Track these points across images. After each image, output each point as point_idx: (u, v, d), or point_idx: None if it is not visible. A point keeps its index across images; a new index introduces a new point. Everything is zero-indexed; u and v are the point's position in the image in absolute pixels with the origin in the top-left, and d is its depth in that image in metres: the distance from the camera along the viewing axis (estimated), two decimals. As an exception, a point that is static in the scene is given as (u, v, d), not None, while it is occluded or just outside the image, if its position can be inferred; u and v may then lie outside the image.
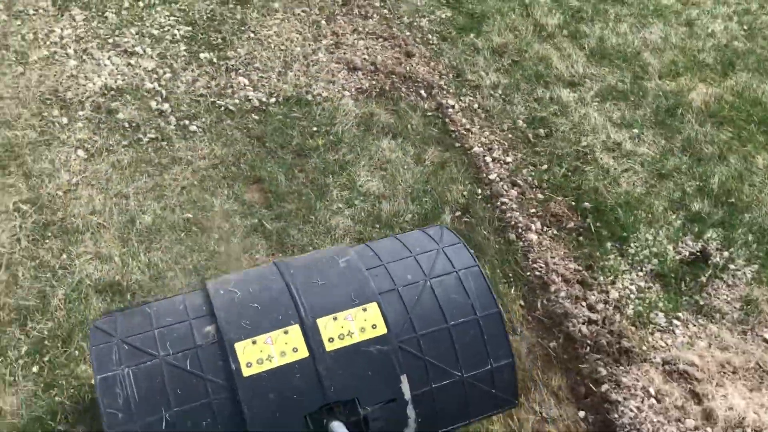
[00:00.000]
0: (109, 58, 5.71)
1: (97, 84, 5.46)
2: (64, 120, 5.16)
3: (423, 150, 5.34)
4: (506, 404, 2.97)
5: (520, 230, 4.83)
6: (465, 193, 5.07)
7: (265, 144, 5.26)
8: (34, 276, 4.21)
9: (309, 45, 6.12)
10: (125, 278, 4.27)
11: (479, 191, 5.10)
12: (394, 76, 5.93)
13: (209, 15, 6.26)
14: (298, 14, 6.45)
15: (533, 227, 4.85)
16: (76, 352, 3.92)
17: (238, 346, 2.62)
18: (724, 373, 4.12)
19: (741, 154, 5.55)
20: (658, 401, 3.90)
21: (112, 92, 5.43)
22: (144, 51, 5.81)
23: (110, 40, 5.86)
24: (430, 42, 6.36)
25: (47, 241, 4.42)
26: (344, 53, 6.09)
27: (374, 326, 2.72)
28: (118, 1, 6.23)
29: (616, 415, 3.82)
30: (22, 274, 4.22)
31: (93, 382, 3.28)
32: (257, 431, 2.53)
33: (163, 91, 5.51)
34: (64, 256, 4.35)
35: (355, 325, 2.71)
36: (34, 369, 3.83)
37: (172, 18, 6.18)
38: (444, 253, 3.06)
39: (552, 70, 6.14)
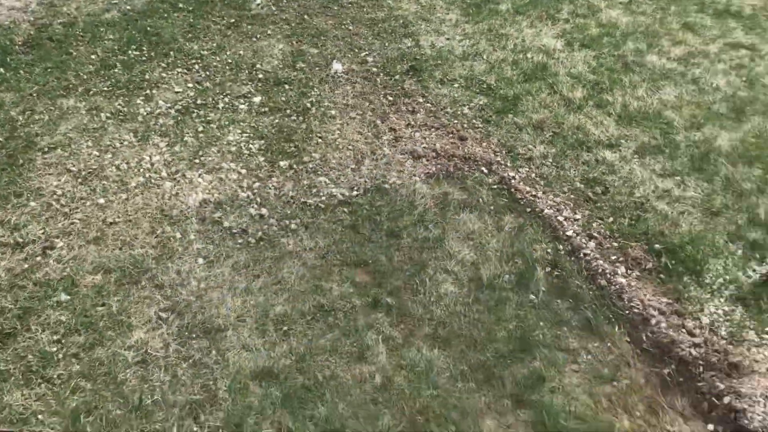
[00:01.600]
0: (200, 175, 6.29)
1: (197, 199, 6.01)
2: (178, 234, 5.67)
3: (500, 218, 5.94)
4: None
5: (608, 276, 5.39)
6: (549, 250, 5.64)
7: (359, 231, 5.82)
8: (194, 374, 4.62)
9: (372, 142, 6.79)
10: (274, 364, 4.69)
11: (560, 247, 5.68)
12: (455, 159, 6.60)
13: (277, 128, 6.93)
14: (354, 117, 7.16)
15: (619, 271, 5.41)
16: (250, 435, 4.29)
17: None
18: (825, 372, 4.62)
19: (776, 185, 6.23)
20: (778, 403, 4.37)
21: (212, 205, 5.98)
22: (229, 166, 6.42)
23: (196, 161, 6.46)
24: (477, 126, 7.08)
25: (194, 341, 4.85)
26: (405, 145, 6.77)
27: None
28: (193, 125, 6.87)
29: (746, 421, 4.27)
30: (182, 373, 4.63)
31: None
32: None
33: (258, 198, 6.08)
34: (214, 351, 4.78)
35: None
36: (219, 454, 4.19)
37: (244, 135, 6.83)
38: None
39: (590, 136, 6.87)
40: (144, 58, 7.63)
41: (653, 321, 4.98)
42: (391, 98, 7.45)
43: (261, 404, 4.46)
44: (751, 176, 6.34)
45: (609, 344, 4.95)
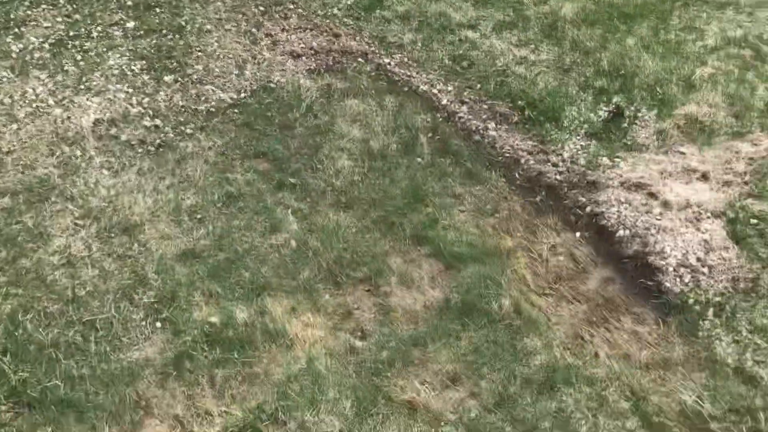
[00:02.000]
0: (88, 99, 6.43)
1: (90, 120, 6.19)
2: (78, 152, 5.87)
3: (381, 99, 6.49)
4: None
5: (481, 131, 6.09)
6: (428, 119, 6.27)
7: (254, 128, 6.22)
8: (120, 265, 4.96)
9: (251, 49, 7.12)
10: (195, 246, 5.10)
11: (438, 115, 6.31)
12: (333, 53, 7.05)
13: (155, 48, 7.10)
14: (230, 29, 7.42)
15: (490, 127, 6.12)
16: (185, 306, 4.72)
17: None
18: (664, 177, 5.53)
19: (614, 41, 7.09)
20: (629, 204, 5.24)
21: (106, 123, 6.18)
22: (115, 87, 6.59)
23: (81, 87, 6.57)
24: (348, 23, 7.53)
25: (114, 239, 5.17)
26: (283, 47, 7.15)
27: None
28: (71, 55, 6.94)
29: (604, 221, 5.11)
30: (109, 266, 4.96)
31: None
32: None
33: (149, 111, 6.33)
34: (135, 245, 5.12)
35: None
36: (158, 324, 4.61)
37: (124, 58, 6.97)
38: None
39: (452, 20, 7.48)
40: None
41: (523, 161, 5.73)
42: (262, 8, 7.74)
43: (189, 279, 4.87)
44: (594, 36, 7.16)
45: (488, 186, 5.66)
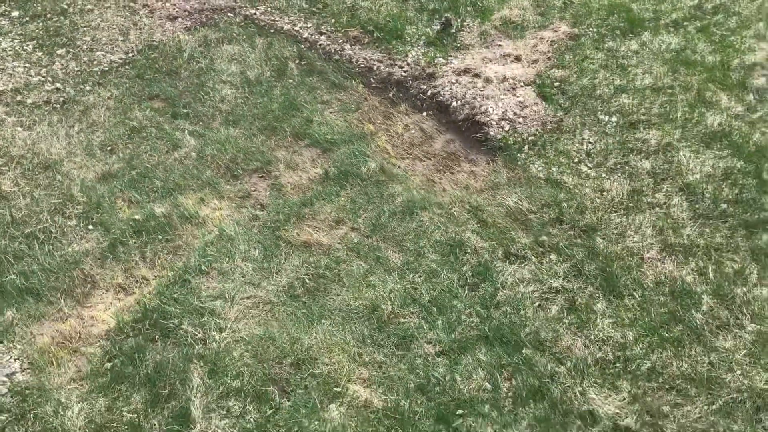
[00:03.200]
0: (-12, 76, 7.23)
1: (-5, 91, 7.00)
2: (-11, 117, 6.68)
3: (252, 41, 7.59)
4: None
5: (339, 52, 7.30)
6: (294, 50, 7.42)
7: (144, 78, 7.19)
8: (48, 192, 5.87)
9: (132, 18, 8.07)
10: (110, 169, 6.07)
11: (302, 46, 7.48)
12: (205, 12, 8.09)
13: (43, 30, 7.94)
14: (110, 6, 8.33)
15: (346, 47, 7.34)
16: (110, 211, 5.69)
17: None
18: (486, 63, 6.91)
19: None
20: (459, 83, 6.59)
21: (10, 92, 7.01)
22: (12, 65, 7.41)
23: (-21, 67, 7.35)
24: (215, -12, 8.59)
25: (39, 175, 6.05)
26: (161, 13, 8.13)
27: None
28: (-36, 44, 7.68)
29: (441, 98, 6.43)
30: (38, 194, 5.85)
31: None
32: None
33: (49, 78, 7.19)
34: (58, 176, 6.03)
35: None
36: (90, 227, 5.56)
37: (16, 41, 7.77)
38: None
39: (305, -26, 8.65)
40: None
41: (375, 68, 6.99)
42: (136, -14, 8.68)
43: (110, 191, 5.84)
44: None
45: (350, 91, 6.88)
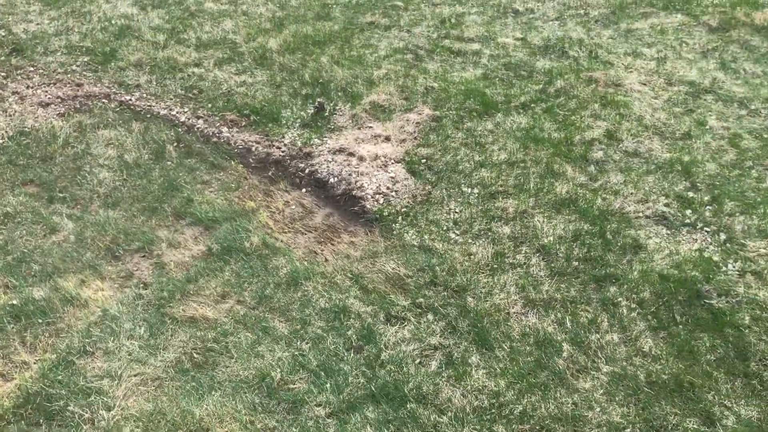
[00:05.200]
0: None
1: None
2: None
3: (128, 126, 7.74)
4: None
5: (217, 135, 7.59)
6: (171, 133, 7.63)
7: (17, 164, 7.13)
8: None
9: (1, 105, 8.00)
10: (-17, 254, 5.93)
11: (180, 129, 7.71)
12: (78, 98, 8.17)
13: None
14: (-25, 93, 8.22)
15: (224, 130, 7.65)
16: None
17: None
18: (358, 143, 7.43)
19: (312, 61, 9.05)
20: (336, 162, 7.03)
21: None
22: None
23: None
24: (88, 75, 8.70)
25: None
26: (31, 100, 8.13)
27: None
28: None
29: (319, 175, 6.84)
30: None
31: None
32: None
33: None
34: None
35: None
36: None
37: None
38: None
39: (179, 62, 8.98)
40: None
41: (254, 149, 7.32)
42: (3, 74, 8.64)
43: (-17, 277, 5.70)
44: (296, 59, 9.07)
45: (230, 171, 7.14)
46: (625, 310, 5.46)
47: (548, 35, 9.74)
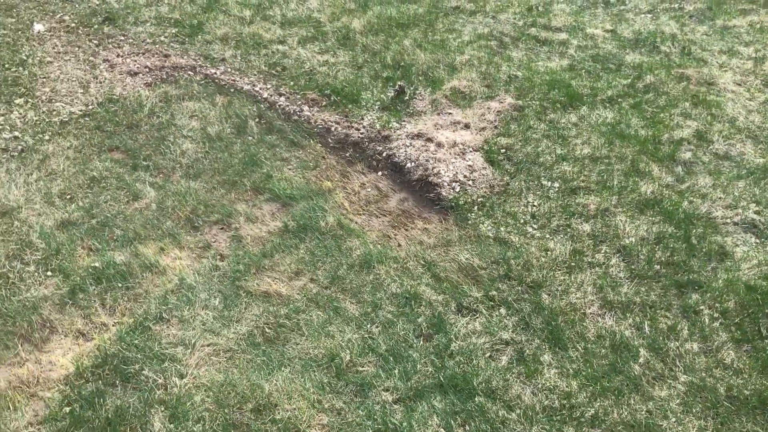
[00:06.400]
0: (-56, 122, 7.24)
1: (-49, 137, 7.01)
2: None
3: (212, 99, 7.85)
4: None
5: (298, 113, 7.62)
6: (254, 109, 7.71)
7: (104, 129, 7.34)
8: (5, 239, 5.89)
9: (92, 72, 8.24)
10: (69, 217, 6.14)
11: (262, 106, 7.78)
12: (165, 69, 8.34)
13: (2, 80, 8.02)
14: (69, 59, 8.49)
15: (304, 109, 7.68)
16: (69, 258, 5.75)
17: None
18: (437, 128, 7.35)
19: (395, 44, 8.99)
20: (413, 146, 6.97)
21: (-33, 138, 7.03)
22: (-31, 111, 7.44)
23: (-65, 113, 7.35)
24: (175, 47, 8.86)
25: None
26: (121, 68, 8.34)
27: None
28: None
29: (396, 159, 6.79)
30: (-5, 239, 5.87)
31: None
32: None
33: (7, 126, 7.25)
34: (16, 222, 6.06)
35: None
36: (49, 273, 5.60)
37: (-28, 88, 7.83)
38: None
39: (264, 39, 9.05)
40: None
41: (333, 129, 7.33)
42: (96, 42, 8.89)
43: (69, 239, 5.90)
44: (378, 41, 9.02)
45: (309, 150, 7.17)
46: (707, 319, 5.24)
47: (639, 28, 9.40)
